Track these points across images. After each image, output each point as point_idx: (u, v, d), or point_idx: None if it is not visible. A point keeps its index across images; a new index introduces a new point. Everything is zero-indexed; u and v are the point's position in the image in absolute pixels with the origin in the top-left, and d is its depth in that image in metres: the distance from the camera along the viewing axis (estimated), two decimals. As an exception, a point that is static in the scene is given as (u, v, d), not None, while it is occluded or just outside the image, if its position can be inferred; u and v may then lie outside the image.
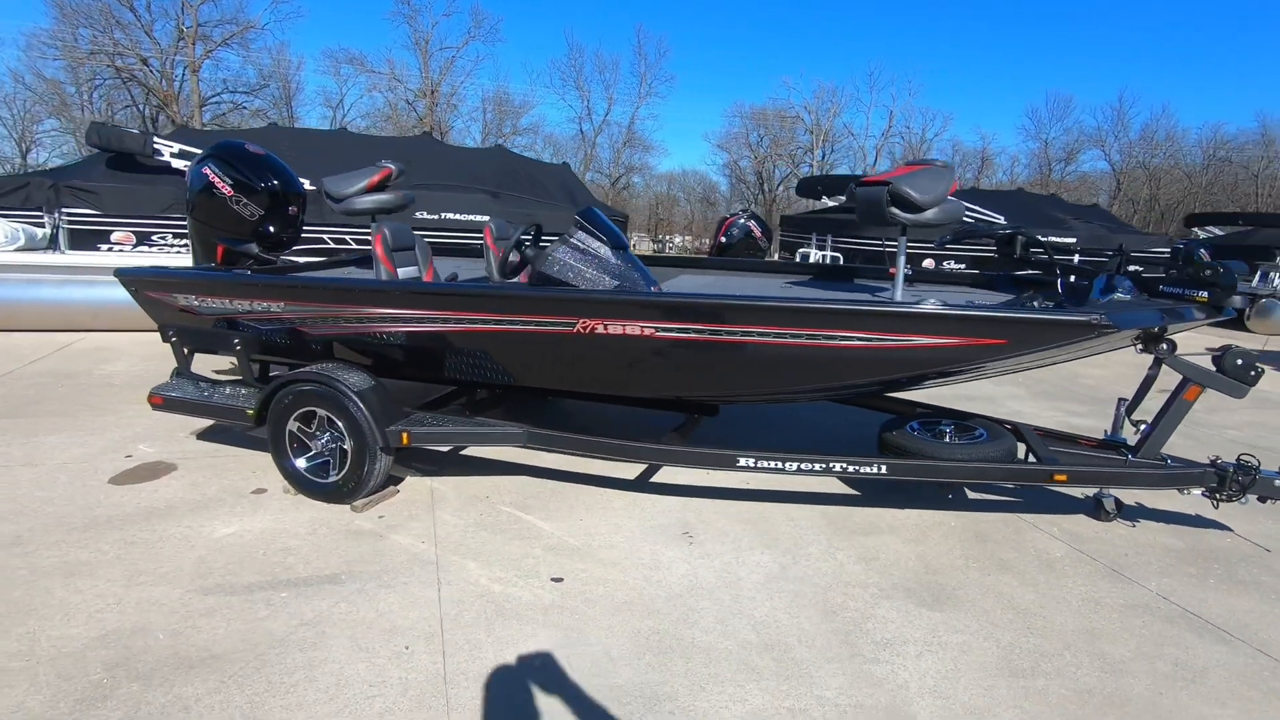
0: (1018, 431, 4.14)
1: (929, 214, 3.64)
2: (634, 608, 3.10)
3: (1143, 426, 3.81)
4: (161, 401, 4.18)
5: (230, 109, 35.17)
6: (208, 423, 5.07)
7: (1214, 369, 3.60)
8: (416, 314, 3.67)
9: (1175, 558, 3.79)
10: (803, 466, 3.63)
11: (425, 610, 3.00)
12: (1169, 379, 3.74)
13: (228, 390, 4.23)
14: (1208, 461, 3.74)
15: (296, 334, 3.98)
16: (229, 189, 4.84)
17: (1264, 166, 47.00)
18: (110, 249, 7.91)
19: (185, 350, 4.22)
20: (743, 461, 3.62)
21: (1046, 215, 11.41)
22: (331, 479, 3.88)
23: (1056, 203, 12.70)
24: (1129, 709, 2.60)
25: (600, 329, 3.44)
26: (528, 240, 3.96)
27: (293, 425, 3.89)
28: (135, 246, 7.92)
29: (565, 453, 3.92)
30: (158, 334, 4.42)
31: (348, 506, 3.87)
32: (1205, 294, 3.47)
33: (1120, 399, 4.10)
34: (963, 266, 10.24)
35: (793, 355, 3.32)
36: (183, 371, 4.28)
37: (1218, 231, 13.55)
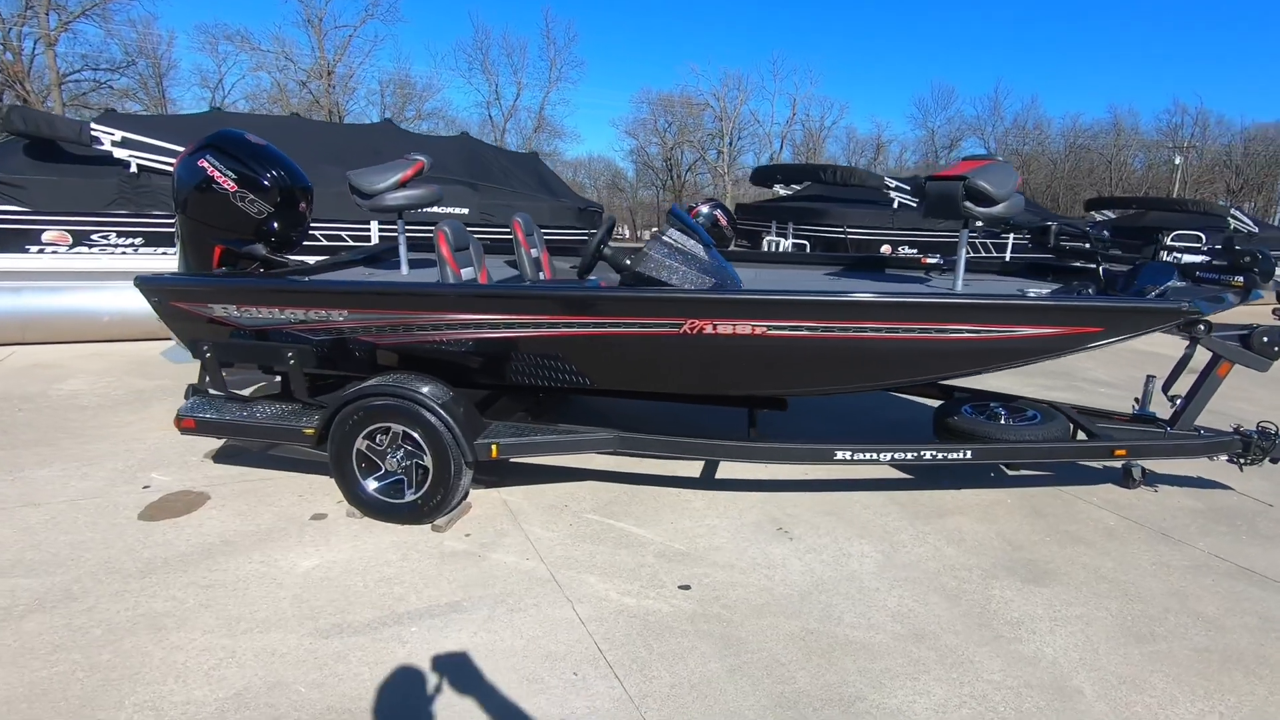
0: (1057, 409, 4.41)
1: (999, 208, 3.79)
2: (773, 610, 3.09)
3: (1178, 401, 4.15)
4: (194, 424, 3.74)
5: (92, 88, 31.71)
6: (217, 444, 4.60)
7: (1242, 347, 3.97)
8: (506, 319, 3.47)
9: (1204, 518, 4.17)
10: (895, 456, 3.73)
11: (572, 632, 2.87)
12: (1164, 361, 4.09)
13: (271, 408, 3.84)
14: (1232, 430, 4.12)
15: (358, 344, 3.66)
16: (231, 184, 4.37)
17: (1115, 153, 52.27)
18: (41, 251, 6.92)
19: (220, 367, 3.78)
20: (840, 454, 3.67)
21: None
22: (408, 499, 3.62)
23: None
24: (1246, 663, 2.85)
25: (709, 329, 3.38)
26: (604, 240, 3.82)
27: (361, 444, 3.59)
28: (72, 248, 6.97)
29: (652, 455, 3.83)
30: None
31: (427, 527, 3.63)
32: (1241, 279, 3.81)
33: (1149, 376, 4.45)
34: (914, 250, 10.79)
35: (903, 348, 3.39)
36: (214, 390, 3.84)
37: (1112, 215, 14.92)
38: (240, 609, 2.92)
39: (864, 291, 3.35)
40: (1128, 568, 3.58)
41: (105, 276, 6.64)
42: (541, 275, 4.83)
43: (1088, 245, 4.42)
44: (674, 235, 3.58)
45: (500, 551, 3.47)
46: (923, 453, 3.73)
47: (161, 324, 4.02)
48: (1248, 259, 3.75)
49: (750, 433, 3.96)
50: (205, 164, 4.40)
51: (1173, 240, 13.64)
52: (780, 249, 9.75)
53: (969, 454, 3.77)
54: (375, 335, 3.60)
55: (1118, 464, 4.68)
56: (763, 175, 12.61)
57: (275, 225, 4.52)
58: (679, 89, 43.33)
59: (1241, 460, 4.09)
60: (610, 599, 3.11)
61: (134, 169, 7.22)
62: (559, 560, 3.41)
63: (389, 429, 3.56)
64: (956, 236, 4.05)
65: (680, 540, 3.65)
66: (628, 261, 3.81)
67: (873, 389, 4.26)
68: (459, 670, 2.61)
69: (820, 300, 3.35)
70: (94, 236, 7.06)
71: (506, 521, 3.77)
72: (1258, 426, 4.12)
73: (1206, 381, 4.07)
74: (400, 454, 3.58)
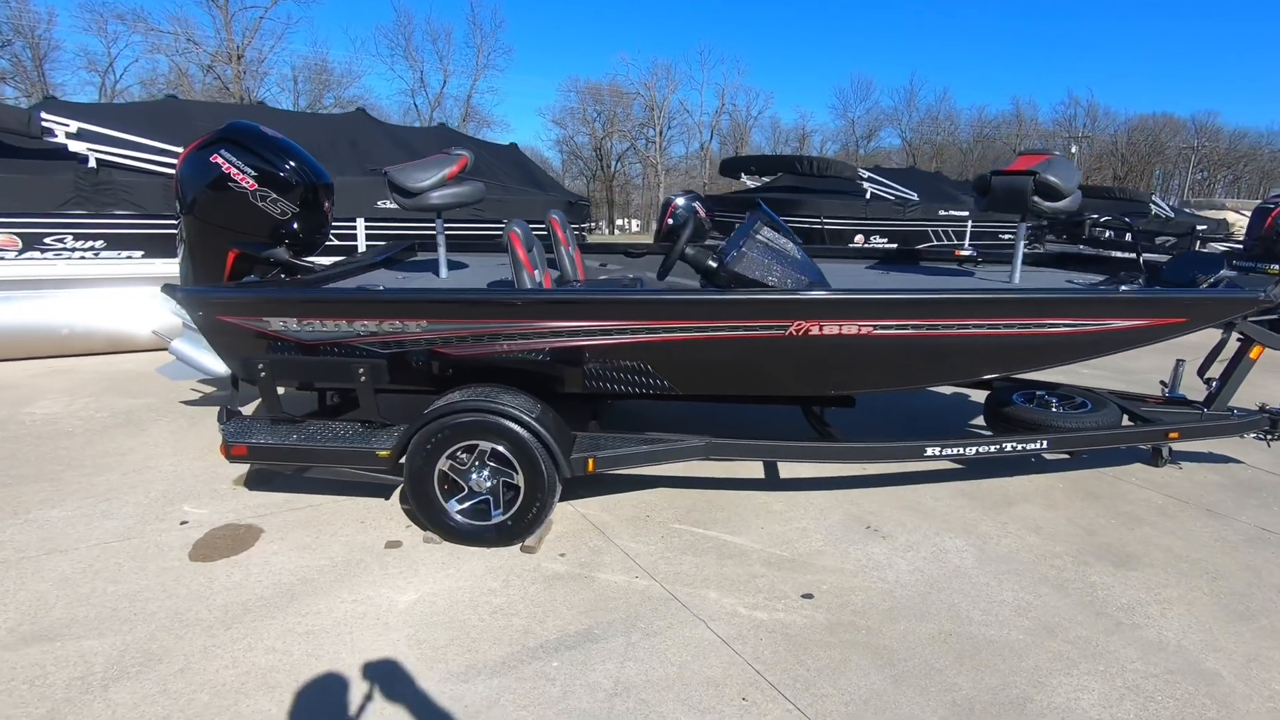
0: (1099, 395, 4.58)
1: (1064, 202, 3.89)
2: (902, 613, 3.06)
3: (1213, 384, 4.38)
4: (246, 451, 3.37)
5: (-43, 70, 28.70)
6: (241, 469, 4.19)
7: (1274, 330, 4.22)
8: (606, 325, 3.27)
9: (1233, 492, 4.43)
10: (980, 450, 3.77)
11: (718, 654, 2.75)
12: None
13: (329, 430, 3.51)
14: (1259, 409, 4.39)
15: (434, 356, 3.37)
16: (251, 182, 3.97)
17: (1017, 142, 55.64)
18: (-16, 256, 6.06)
19: (277, 387, 3.41)
20: (929, 450, 3.69)
21: (940, 190, 12.64)
22: (496, 520, 3.39)
23: (943, 178, 14.07)
24: (1343, 631, 3.03)
25: (816, 330, 3.30)
26: (689, 240, 3.66)
27: (444, 464, 3.33)
28: (22, 253, 6.13)
29: (741, 459, 3.73)
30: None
31: (514, 549, 3.41)
32: (1277, 266, 4.06)
33: (1179, 360, 4.68)
34: (885, 240, 11.08)
35: (1002, 344, 3.41)
36: (269, 412, 3.46)
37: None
38: (354, 656, 2.65)
39: (971, 290, 3.35)
40: (1195, 545, 3.75)
41: (62, 284, 5.92)
42: (578, 276, 4.63)
43: (1129, 236, 4.60)
44: (767, 234, 3.47)
45: (604, 570, 3.29)
46: (1004, 445, 3.78)
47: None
48: (1283, 248, 3.97)
49: (827, 431, 3.91)
50: (220, 160, 3.99)
51: (1101, 224, 14.55)
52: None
53: (1045, 444, 3.86)
54: (454, 346, 3.33)
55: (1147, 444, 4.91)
56: (732, 166, 12.62)
57: (296, 226, 4.15)
58: (608, 78, 43.03)
59: (1270, 436, 4.36)
60: (740, 614, 3.00)
61: (92, 164, 6.46)
62: (669, 576, 3.27)
63: (474, 446, 3.31)
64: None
65: (778, 546, 3.57)
66: (711, 263, 3.68)
67: (962, 384, 4.28)
68: (628, 705, 2.45)
69: (931, 299, 3.32)
70: (47, 240, 6.27)
71: (595, 537, 3.59)
72: (1281, 405, 4.40)
73: (1240, 364, 4.30)
74: (486, 472, 3.35)
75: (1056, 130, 55.85)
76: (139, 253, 6.79)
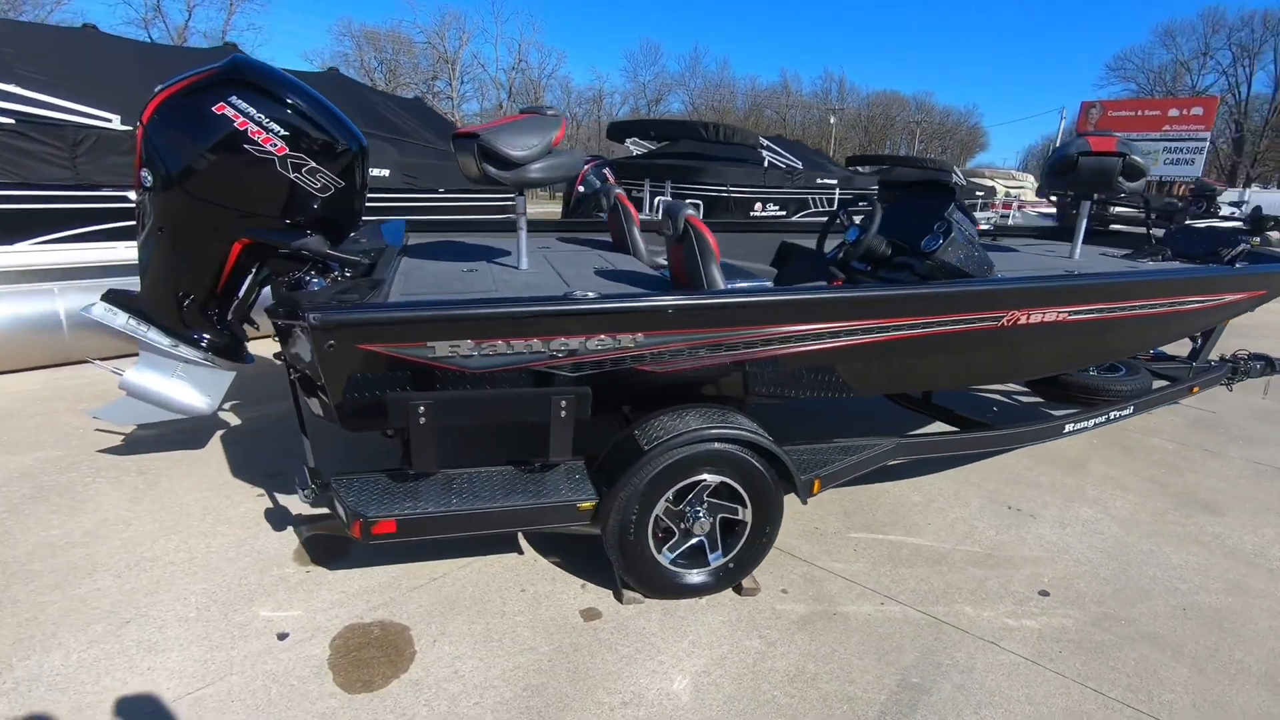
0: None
1: (1140, 182, 4.15)
2: (1128, 595, 3.10)
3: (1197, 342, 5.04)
4: (395, 527, 2.42)
5: None
6: (289, 543, 3.09)
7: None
8: (836, 327, 2.81)
9: (1202, 433, 5.19)
10: (1095, 421, 3.95)
11: (1043, 678, 2.56)
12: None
13: (490, 482, 2.65)
14: (1221, 359, 5.14)
15: (632, 376, 2.66)
16: (280, 144, 2.87)
17: (785, 111, 60.95)
18: None
19: (433, 436, 2.43)
20: (1067, 428, 3.78)
21: (812, 159, 13.20)
22: (715, 564, 2.84)
23: (819, 152, 14.67)
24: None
25: (1024, 319, 3.16)
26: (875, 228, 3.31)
27: (660, 507, 2.70)
28: None
29: (926, 456, 3.53)
30: None
31: (724, 594, 2.90)
32: (1258, 239, 4.72)
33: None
34: (777, 208, 11.31)
35: (1156, 322, 3.55)
36: (420, 467, 2.49)
37: (865, 170, 17.33)
38: (702, 782, 2.05)
39: (1148, 272, 3.43)
40: (1240, 486, 4.28)
41: None
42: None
43: (1144, 212, 5.08)
44: (962, 218, 3.24)
45: (844, 602, 2.92)
46: (1112, 414, 4.01)
47: None
48: (1270, 223, 4.63)
49: (976, 421, 3.84)
50: (228, 110, 2.82)
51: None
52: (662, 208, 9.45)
53: (1131, 410, 4.16)
54: (658, 363, 2.65)
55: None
56: (622, 130, 12.02)
57: (336, 206, 3.10)
58: (389, 24, 39.11)
59: (1230, 382, 5.14)
60: (1012, 626, 2.84)
61: None
62: (910, 596, 2.99)
63: (696, 483, 2.72)
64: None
65: (963, 542, 3.46)
66: (886, 250, 3.38)
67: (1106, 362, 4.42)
68: (1031, 765, 2.18)
69: (1122, 283, 3.35)
70: None
71: (793, 563, 3.18)
72: (1234, 355, 5.19)
73: (1216, 327, 4.98)
74: (702, 510, 2.77)
75: (815, 101, 61.98)
76: (47, 234, 4.76)
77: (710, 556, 2.84)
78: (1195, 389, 4.69)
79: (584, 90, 50.96)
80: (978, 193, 19.21)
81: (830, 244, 3.90)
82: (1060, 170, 4.21)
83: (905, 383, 3.43)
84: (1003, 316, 3.12)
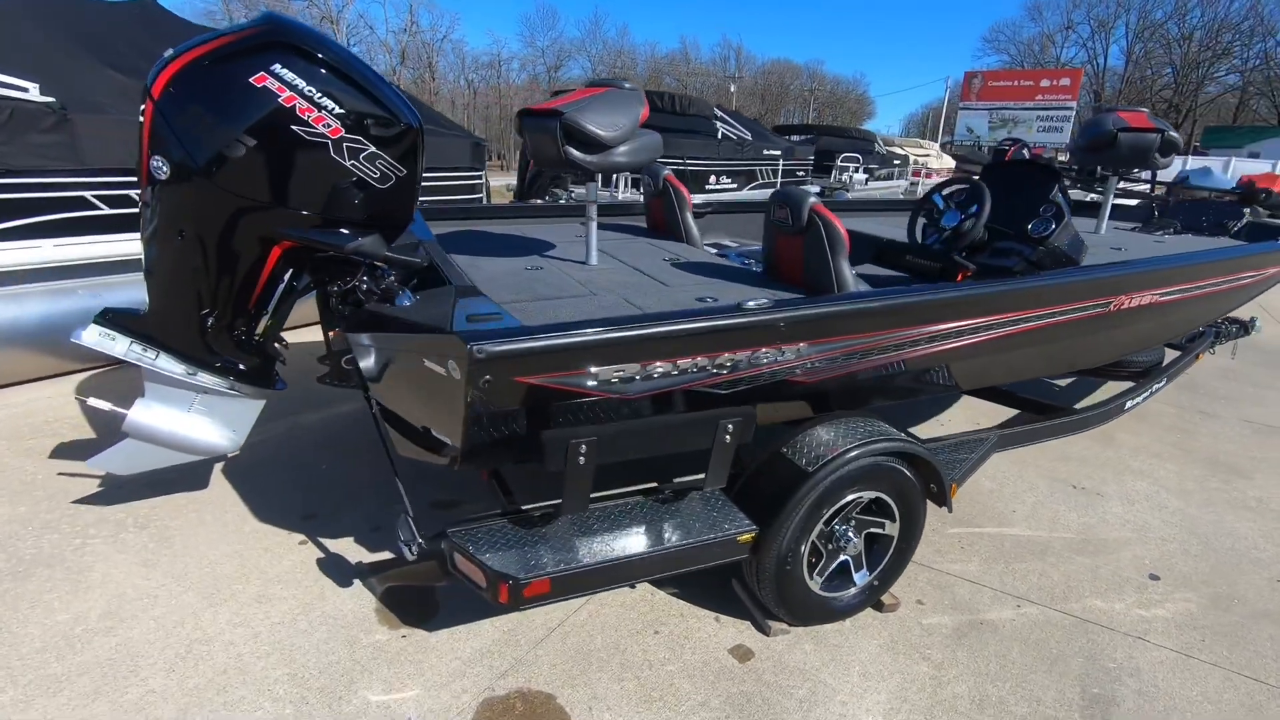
0: None
1: (1171, 158, 4.22)
2: (1226, 570, 3.16)
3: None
4: (549, 588, 2.04)
5: None
6: (367, 601, 2.63)
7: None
8: (981, 322, 2.62)
9: (1188, 395, 5.49)
10: (1145, 396, 4.02)
11: (1203, 672, 2.54)
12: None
13: (623, 520, 2.30)
14: (1211, 327, 5.42)
15: (783, 388, 2.36)
16: (335, 125, 2.36)
17: (687, 78, 60.89)
18: None
19: (586, 474, 2.04)
20: (1128, 405, 3.82)
21: (759, 132, 12.98)
22: (861, 583, 2.64)
23: (757, 123, 14.39)
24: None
25: (1127, 304, 3.10)
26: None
27: (816, 530, 2.45)
28: None
29: (1021, 446, 3.44)
30: None
31: (865, 613, 2.71)
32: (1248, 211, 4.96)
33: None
34: (730, 180, 11.07)
35: (1216, 300, 3.61)
36: (571, 509, 2.10)
37: (796, 139, 17.46)
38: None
39: (1230, 250, 3.46)
40: (1247, 444, 4.54)
41: None
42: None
43: (1151, 185, 5.20)
44: (1065, 201, 3.12)
45: (983, 609, 2.80)
46: (1152, 387, 4.10)
47: None
48: (1263, 195, 4.87)
49: (1051, 405, 3.80)
50: (272, 82, 2.28)
51: (842, 161, 16.69)
52: (625, 181, 9.05)
53: (1164, 382, 4.27)
54: (810, 373, 2.37)
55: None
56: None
57: (397, 200, 2.61)
58: (263, -23, 35.68)
59: (1213, 344, 5.44)
60: (1144, 616, 2.81)
61: None
62: (1039, 595, 2.91)
63: (851, 501, 2.49)
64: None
65: (1056, 529, 3.43)
66: (984, 235, 3.24)
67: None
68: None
69: (1201, 264, 3.36)
70: None
71: (909, 569, 3.02)
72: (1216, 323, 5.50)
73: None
74: (850, 528, 2.55)
75: (713, 69, 62.22)
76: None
77: (856, 576, 2.63)
78: (1200, 355, 4.91)
79: (480, 54, 48.69)
80: (895, 161, 19.82)
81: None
82: (1097, 146, 4.21)
83: (1013, 374, 3.31)
84: (1110, 302, 3.05)
